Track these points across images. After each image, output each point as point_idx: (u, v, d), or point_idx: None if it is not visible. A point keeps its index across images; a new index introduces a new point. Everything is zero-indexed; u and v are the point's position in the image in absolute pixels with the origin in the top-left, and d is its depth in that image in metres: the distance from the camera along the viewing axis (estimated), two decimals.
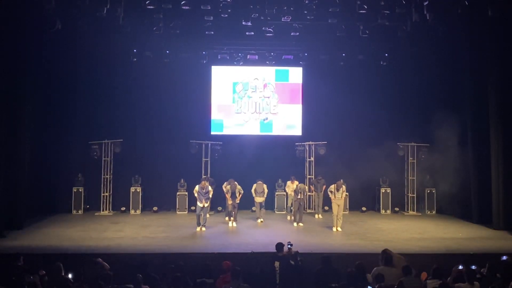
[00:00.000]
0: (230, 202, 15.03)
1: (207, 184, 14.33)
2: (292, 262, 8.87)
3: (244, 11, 13.85)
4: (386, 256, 8.47)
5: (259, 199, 15.64)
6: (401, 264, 8.26)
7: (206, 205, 14.10)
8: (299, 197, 15.02)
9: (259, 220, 15.60)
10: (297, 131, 18.02)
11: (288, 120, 18.03)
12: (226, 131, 17.87)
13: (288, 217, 16.18)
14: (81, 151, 17.08)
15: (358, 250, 11.72)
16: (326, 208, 16.67)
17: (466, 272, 7.83)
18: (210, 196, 14.30)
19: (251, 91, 17.95)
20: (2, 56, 13.15)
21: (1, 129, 13.16)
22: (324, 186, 16.24)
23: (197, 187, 14.24)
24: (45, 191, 16.64)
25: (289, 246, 9.26)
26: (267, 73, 18.01)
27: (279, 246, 9.35)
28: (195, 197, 14.27)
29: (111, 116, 17.27)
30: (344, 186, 14.60)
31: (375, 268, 8.29)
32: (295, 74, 18.08)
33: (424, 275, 8.36)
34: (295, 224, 15.06)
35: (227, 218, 15.54)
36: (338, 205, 14.31)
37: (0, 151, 13.05)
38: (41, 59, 15.28)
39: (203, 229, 14.06)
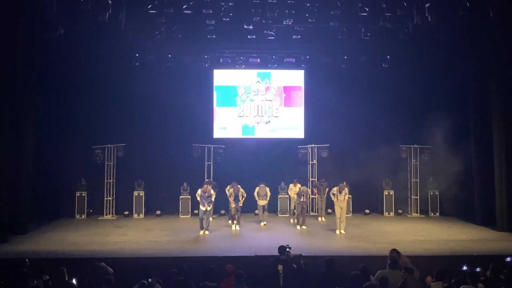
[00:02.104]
0: (233, 205, 15.02)
1: (209, 187, 14.34)
2: (294, 266, 8.83)
3: (245, 14, 13.88)
4: (393, 257, 8.45)
5: (261, 202, 15.64)
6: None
7: (208, 208, 14.13)
8: (302, 200, 15.01)
9: (262, 223, 15.59)
10: (299, 133, 18.00)
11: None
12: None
13: (291, 220, 16.16)
14: (84, 155, 17.11)
15: (362, 252, 11.69)
16: (329, 210, 16.64)
17: (470, 274, 7.81)
18: (213, 199, 14.33)
19: (253, 94, 17.95)
20: (5, 60, 13.19)
21: (4, 134, 13.19)
22: (327, 189, 16.19)
23: (199, 191, 14.27)
24: (48, 196, 16.62)
25: (287, 249, 9.18)
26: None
27: (282, 249, 9.31)
28: (198, 200, 14.29)
29: (113, 121, 17.30)
30: (347, 189, 14.57)
31: (379, 271, 8.28)
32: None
33: (429, 279, 8.32)
34: (298, 227, 15.06)
35: (230, 222, 15.50)
36: (341, 208, 14.28)
37: (3, 156, 13.08)
38: (43, 64, 15.29)
39: (206, 232, 14.06)
